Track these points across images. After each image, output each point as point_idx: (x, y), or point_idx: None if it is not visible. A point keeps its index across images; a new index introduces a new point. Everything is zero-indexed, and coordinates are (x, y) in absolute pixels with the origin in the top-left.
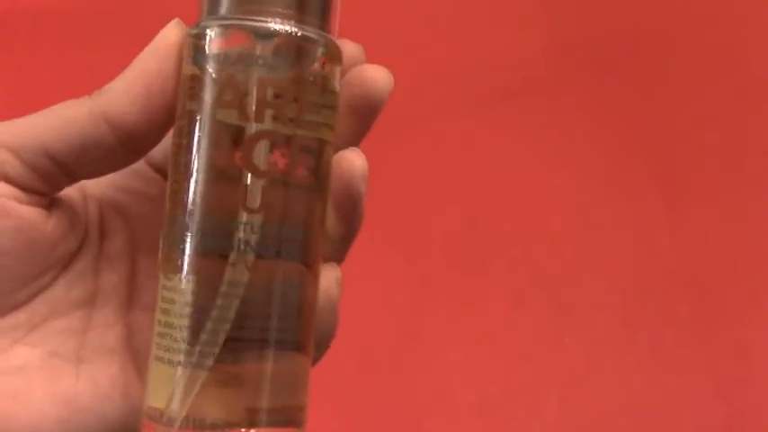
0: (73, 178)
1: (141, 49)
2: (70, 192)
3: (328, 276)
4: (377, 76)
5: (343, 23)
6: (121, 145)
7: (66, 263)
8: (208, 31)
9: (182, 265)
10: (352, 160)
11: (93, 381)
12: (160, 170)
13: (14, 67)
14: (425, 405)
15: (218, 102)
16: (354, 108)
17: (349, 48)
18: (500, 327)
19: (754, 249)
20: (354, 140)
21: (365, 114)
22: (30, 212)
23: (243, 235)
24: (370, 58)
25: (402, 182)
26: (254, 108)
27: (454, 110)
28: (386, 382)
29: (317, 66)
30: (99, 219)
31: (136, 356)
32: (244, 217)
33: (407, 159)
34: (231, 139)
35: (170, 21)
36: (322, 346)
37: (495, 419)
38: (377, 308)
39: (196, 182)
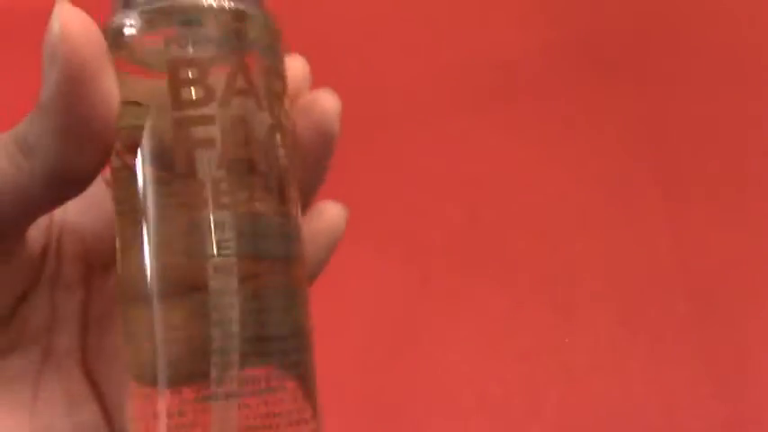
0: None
1: None
2: (34, 230)
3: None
4: (327, 105)
5: (343, 24)
6: (81, 187)
7: (25, 296)
8: (128, 22)
9: (154, 293)
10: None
11: (50, 402)
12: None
13: (14, 67)
14: (425, 405)
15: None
16: (310, 144)
17: (295, 65)
18: (500, 327)
19: (753, 249)
20: (315, 181)
21: (322, 148)
22: None
23: (217, 236)
24: (371, 58)
25: (402, 182)
26: (215, 93)
27: (454, 110)
28: (386, 382)
29: (259, 43)
30: (57, 244)
31: (94, 376)
32: (214, 216)
33: (407, 159)
34: (185, 135)
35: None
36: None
37: (495, 419)
38: (376, 308)
39: (154, 186)
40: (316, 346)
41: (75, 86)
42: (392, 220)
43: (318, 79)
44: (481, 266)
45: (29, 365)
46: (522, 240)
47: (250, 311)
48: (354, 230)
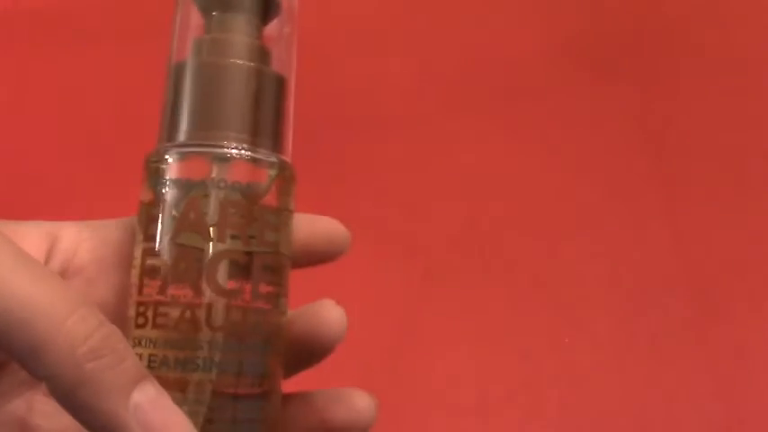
0: None
1: (140, 49)
2: None
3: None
4: (332, 318)
5: (344, 24)
6: None
7: None
8: (166, 156)
9: None
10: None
11: None
12: None
13: (14, 67)
14: (425, 405)
15: (180, 225)
16: (304, 346)
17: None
18: (500, 327)
19: (754, 249)
20: (294, 370)
21: (314, 355)
22: None
23: (207, 353)
24: (371, 58)
25: (402, 182)
26: (214, 229)
27: (454, 110)
28: (385, 382)
29: (272, 186)
30: None
31: None
32: (208, 335)
33: (408, 159)
34: (194, 260)
35: None
36: None
37: (495, 419)
38: (376, 307)
39: (159, 302)
40: None
41: None
42: (392, 220)
43: (318, 78)
44: (481, 266)
45: None
46: (522, 240)
47: (215, 421)
48: (354, 230)
